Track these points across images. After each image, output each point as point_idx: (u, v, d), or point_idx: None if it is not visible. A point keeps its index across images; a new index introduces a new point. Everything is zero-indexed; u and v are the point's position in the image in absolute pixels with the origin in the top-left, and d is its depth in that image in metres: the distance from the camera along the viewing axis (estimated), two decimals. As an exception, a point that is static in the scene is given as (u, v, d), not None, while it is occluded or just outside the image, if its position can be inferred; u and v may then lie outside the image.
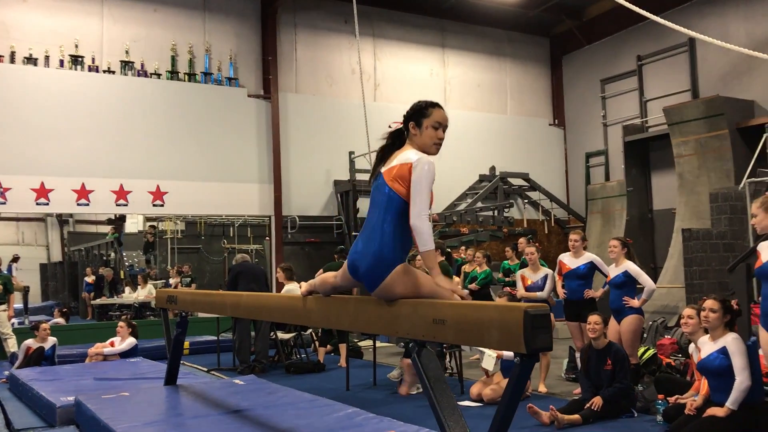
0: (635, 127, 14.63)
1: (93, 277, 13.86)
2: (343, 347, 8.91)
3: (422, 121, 3.09)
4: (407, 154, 3.03)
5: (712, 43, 9.87)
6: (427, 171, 2.95)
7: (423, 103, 3.15)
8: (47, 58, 11.72)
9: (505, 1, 14.86)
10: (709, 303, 5.05)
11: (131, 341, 8.45)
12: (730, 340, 4.93)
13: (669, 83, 14.33)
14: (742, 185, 9.89)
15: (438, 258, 8.78)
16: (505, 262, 9.73)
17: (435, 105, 3.13)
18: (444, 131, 3.14)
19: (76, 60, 11.92)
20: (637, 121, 14.84)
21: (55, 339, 8.51)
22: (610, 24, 15.31)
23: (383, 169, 3.09)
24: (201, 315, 11.15)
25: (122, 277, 13.86)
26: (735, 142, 11.80)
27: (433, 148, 3.11)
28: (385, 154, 3.19)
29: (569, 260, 7.09)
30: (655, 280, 11.86)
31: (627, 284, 6.60)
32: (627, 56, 15.25)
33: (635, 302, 6.50)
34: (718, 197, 10.08)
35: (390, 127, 3.25)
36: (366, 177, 13.02)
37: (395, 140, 3.20)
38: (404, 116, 3.18)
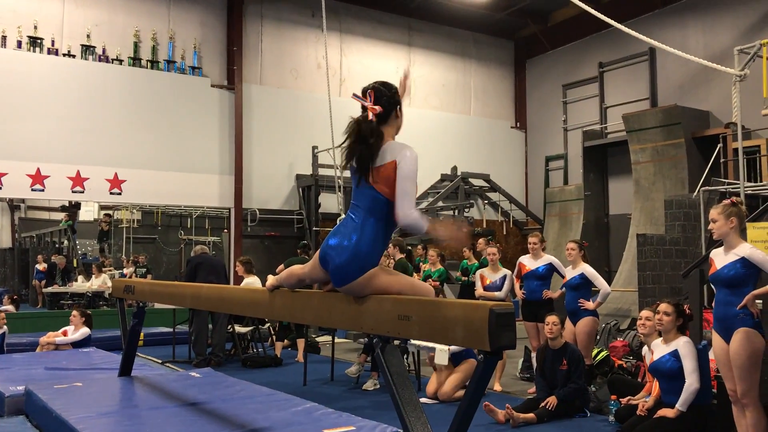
0: (594, 133, 14.89)
1: (45, 265, 13.55)
2: (301, 342, 8.88)
3: (399, 108, 3.05)
4: (391, 149, 2.89)
5: (672, 54, 10.11)
6: (413, 165, 2.86)
7: (392, 89, 3.04)
8: (4, 38, 11.40)
9: (472, 2, 14.97)
10: (663, 306, 5.19)
11: (85, 331, 8.28)
12: (682, 344, 5.07)
13: (629, 91, 14.62)
14: (696, 193, 10.14)
15: (398, 255, 8.88)
16: (464, 261, 9.82)
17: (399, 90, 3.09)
18: None
19: (35, 42, 11.61)
20: (596, 127, 15.10)
21: (5, 327, 8.30)
22: (574, 30, 15.54)
23: (373, 166, 2.89)
24: (157, 306, 10.99)
25: (75, 265, 13.57)
26: (690, 151, 12.10)
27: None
28: (373, 149, 2.91)
29: (528, 261, 7.21)
30: (609, 284, 12.11)
31: (583, 286, 6.75)
32: (589, 63, 15.51)
33: (590, 304, 6.65)
34: (672, 204, 10.32)
35: (370, 116, 2.92)
36: (329, 172, 13.03)
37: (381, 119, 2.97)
38: (387, 100, 2.97)
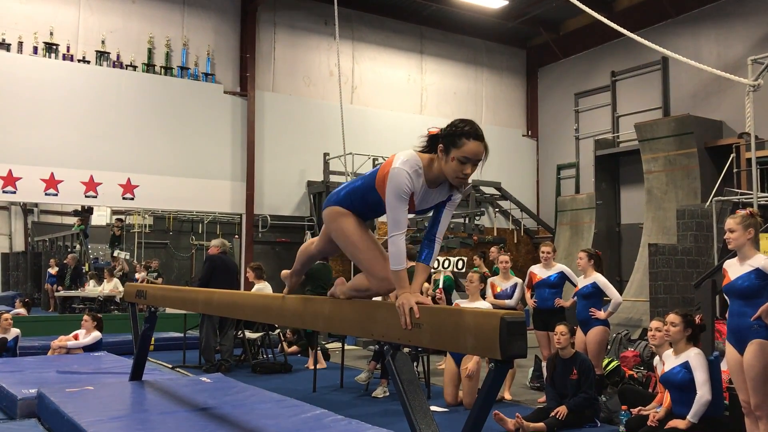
0: (606, 142, 14.85)
1: (56, 269, 13.64)
2: (313, 350, 8.90)
3: (451, 149, 2.71)
4: (399, 155, 2.81)
5: (685, 63, 10.07)
6: (394, 186, 2.74)
7: (460, 129, 2.72)
8: (21, 44, 11.53)
9: (484, 11, 14.99)
10: (671, 317, 5.16)
11: (96, 335, 8.32)
12: (693, 355, 5.04)
13: (641, 100, 14.58)
14: (708, 203, 10.09)
15: (409, 264, 8.87)
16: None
17: (472, 136, 2.71)
18: (474, 166, 2.75)
19: (51, 48, 11.74)
20: (608, 136, 15.07)
21: (18, 330, 8.35)
22: (587, 39, 15.53)
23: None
24: (168, 311, 11.02)
25: (87, 270, 13.65)
26: (703, 161, 12.04)
27: (454, 181, 2.78)
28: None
29: (539, 270, 7.20)
30: (620, 293, 12.06)
31: (594, 295, 6.72)
32: (601, 71, 15.48)
33: (601, 314, 6.62)
34: (684, 214, 10.27)
35: (428, 131, 2.88)
36: (340, 179, 13.03)
37: (430, 147, 2.84)
38: (440, 131, 2.80)
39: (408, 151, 2.84)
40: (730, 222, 4.42)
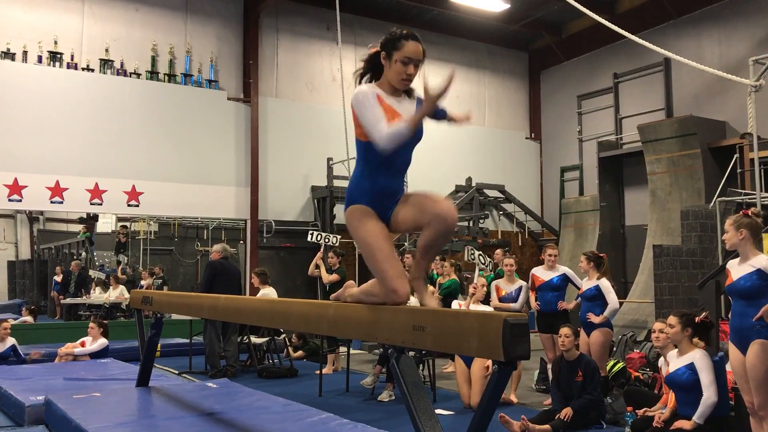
0: (610, 144, 14.86)
1: (62, 276, 13.68)
2: (331, 357, 8.95)
3: (393, 53, 2.91)
4: (353, 93, 2.95)
5: (687, 64, 10.09)
6: (360, 102, 2.85)
7: (397, 33, 2.93)
8: (25, 53, 11.60)
9: (486, 14, 15.02)
10: (670, 319, 5.18)
11: (102, 342, 8.37)
12: (698, 356, 5.04)
13: (644, 101, 14.58)
14: (712, 204, 10.09)
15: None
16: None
17: (409, 37, 2.91)
18: (416, 67, 2.92)
19: (55, 56, 11.80)
20: (611, 138, 15.07)
21: (14, 339, 8.26)
22: (589, 41, 15.55)
23: None
24: (173, 317, 11.06)
25: (92, 277, 13.69)
26: (706, 162, 12.04)
27: (400, 84, 2.94)
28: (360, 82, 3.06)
29: (542, 273, 7.22)
30: (625, 295, 12.09)
31: (598, 297, 6.73)
32: (604, 73, 15.50)
33: (596, 318, 6.64)
34: (689, 215, 10.27)
35: (369, 48, 3.05)
36: (344, 183, 13.06)
37: (371, 67, 3.03)
38: (380, 43, 2.98)
39: (365, 84, 3.00)
40: (726, 223, 4.46)
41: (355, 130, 2.95)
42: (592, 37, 15.12)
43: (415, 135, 2.90)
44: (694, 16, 13.67)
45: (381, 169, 2.96)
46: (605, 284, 6.74)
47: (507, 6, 14.40)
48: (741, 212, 4.47)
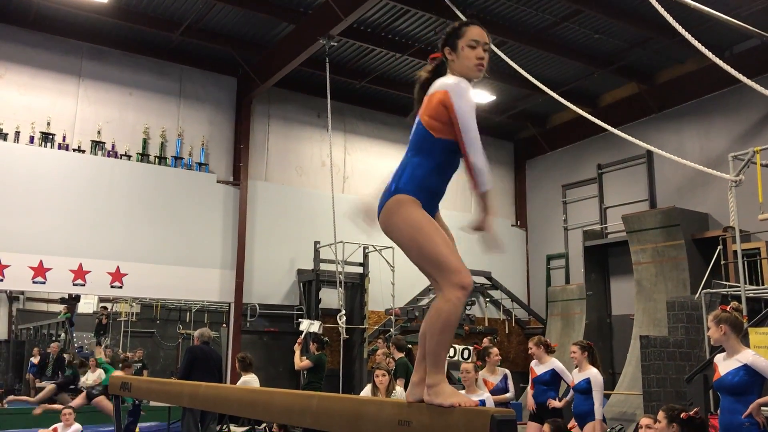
0: (595, 233, 14.99)
1: (38, 358, 13.34)
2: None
3: (457, 42, 2.80)
4: (440, 81, 2.75)
5: (669, 158, 10.33)
6: (462, 94, 2.68)
7: (457, 25, 2.85)
8: (17, 133, 11.70)
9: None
10: (659, 414, 5.10)
11: (76, 428, 8.08)
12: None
13: (628, 192, 14.81)
14: (698, 295, 10.11)
15: (397, 355, 8.73)
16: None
17: (469, 23, 2.85)
18: (485, 50, 2.80)
19: (47, 137, 11.91)
20: (596, 227, 15.22)
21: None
22: (573, 133, 15.92)
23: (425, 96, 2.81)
24: (152, 402, 10.75)
25: (72, 359, 13.34)
26: (691, 253, 12.14)
27: (474, 70, 2.80)
28: (424, 91, 2.86)
29: (537, 366, 7.29)
30: (613, 386, 11.92)
31: (590, 390, 6.65)
32: (588, 164, 15.79)
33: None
34: (674, 305, 10.27)
35: (429, 61, 2.91)
36: (331, 267, 13.02)
37: (436, 74, 2.86)
38: (440, 45, 2.87)
39: (450, 75, 2.81)
40: (708, 318, 4.48)
41: (430, 121, 2.75)
42: (576, 128, 15.48)
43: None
44: (674, 111, 14.07)
45: (440, 169, 2.83)
46: (596, 380, 6.65)
47: (493, 98, 14.82)
48: (719, 308, 4.50)
